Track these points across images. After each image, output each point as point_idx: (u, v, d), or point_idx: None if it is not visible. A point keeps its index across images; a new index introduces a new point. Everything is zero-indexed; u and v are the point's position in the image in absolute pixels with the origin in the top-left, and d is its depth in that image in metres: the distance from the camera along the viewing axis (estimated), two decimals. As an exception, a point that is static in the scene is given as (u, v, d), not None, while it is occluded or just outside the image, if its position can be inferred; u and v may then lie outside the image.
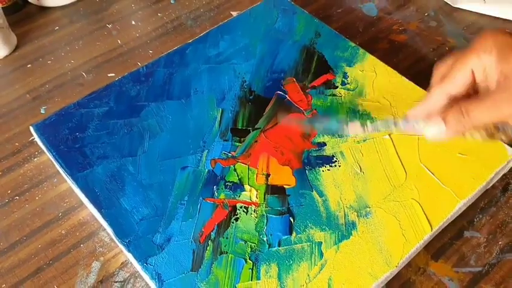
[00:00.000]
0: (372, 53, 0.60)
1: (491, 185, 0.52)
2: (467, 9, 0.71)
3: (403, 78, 0.57)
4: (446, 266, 0.48)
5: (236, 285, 0.43)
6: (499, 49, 0.38)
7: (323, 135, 0.53)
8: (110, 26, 0.70)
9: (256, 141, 0.53)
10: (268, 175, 0.50)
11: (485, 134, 0.41)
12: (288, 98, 0.56)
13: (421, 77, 0.62)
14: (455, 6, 0.72)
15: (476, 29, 0.69)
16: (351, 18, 0.71)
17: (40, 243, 0.50)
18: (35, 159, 0.56)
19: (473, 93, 0.40)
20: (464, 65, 0.39)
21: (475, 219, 0.51)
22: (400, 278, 0.47)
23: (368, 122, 0.44)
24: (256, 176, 0.50)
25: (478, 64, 0.38)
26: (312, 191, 0.49)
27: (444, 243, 0.49)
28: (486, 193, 0.52)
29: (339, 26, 0.69)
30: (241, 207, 0.48)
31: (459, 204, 0.48)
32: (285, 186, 0.49)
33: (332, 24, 0.67)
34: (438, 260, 0.48)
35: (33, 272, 0.48)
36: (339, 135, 0.48)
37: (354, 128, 0.44)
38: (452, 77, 0.40)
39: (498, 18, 0.70)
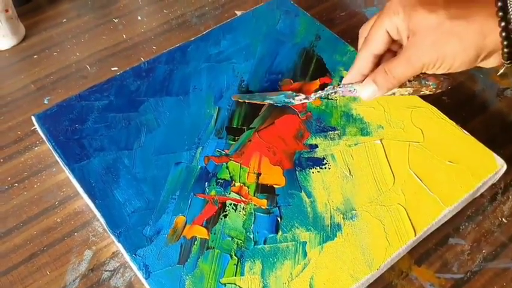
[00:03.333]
0: (371, 57, 0.61)
1: (479, 194, 0.52)
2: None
3: (399, 84, 0.58)
4: (428, 271, 0.49)
5: (220, 280, 0.44)
6: (404, 8, 0.41)
7: (316, 138, 0.54)
8: (116, 20, 0.72)
9: (250, 141, 0.54)
10: (259, 174, 0.51)
11: (411, 90, 0.46)
12: (284, 99, 0.57)
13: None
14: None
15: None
16: (353, 22, 0.71)
17: (36, 230, 0.51)
18: (36, 148, 0.57)
19: (400, 50, 0.44)
20: (379, 27, 0.43)
21: (461, 227, 0.51)
22: (382, 281, 0.48)
23: (312, 95, 0.49)
24: (248, 174, 0.51)
25: (391, 24, 0.42)
26: (301, 192, 0.50)
27: (428, 248, 0.50)
28: (474, 201, 0.52)
29: (341, 30, 0.69)
30: (230, 204, 0.49)
31: (444, 211, 0.48)
32: (274, 185, 0.50)
33: (334, 27, 0.68)
34: (421, 265, 0.49)
35: (27, 257, 0.49)
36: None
37: (300, 99, 0.52)
38: (371, 39, 0.44)
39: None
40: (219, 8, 0.74)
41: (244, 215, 0.48)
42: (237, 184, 0.50)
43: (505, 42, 0.39)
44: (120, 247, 0.47)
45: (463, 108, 0.61)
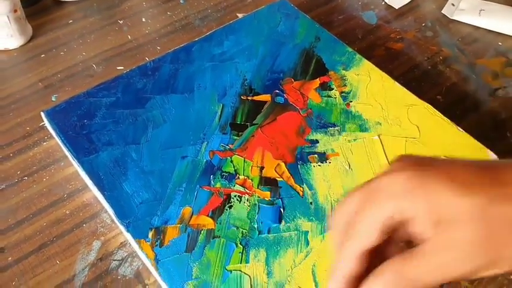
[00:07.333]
0: (368, 59, 0.63)
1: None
2: (463, 21, 0.74)
3: (396, 83, 0.60)
4: (425, 260, 0.50)
5: (226, 267, 0.46)
6: (417, 185, 0.31)
7: (316, 133, 0.56)
8: (121, 21, 0.74)
9: (253, 136, 0.56)
10: (262, 168, 0.53)
11: None
12: (285, 96, 0.59)
13: (414, 83, 0.66)
14: (451, 18, 0.75)
15: (471, 40, 0.72)
16: (351, 25, 0.74)
17: (45, 221, 0.53)
18: (44, 143, 0.59)
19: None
20: (374, 215, 0.31)
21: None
22: (381, 270, 0.49)
23: None
24: (251, 168, 0.53)
25: (395, 208, 0.31)
26: (303, 184, 0.52)
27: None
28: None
29: (339, 32, 0.72)
30: (235, 196, 0.51)
31: (440, 203, 0.50)
32: (277, 178, 0.52)
33: (333, 30, 0.70)
34: (418, 254, 0.51)
35: (38, 247, 0.51)
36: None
37: None
38: (360, 231, 0.32)
39: (492, 31, 0.73)
40: (221, 10, 0.76)
41: (249, 206, 0.50)
42: (241, 177, 0.52)
43: None
44: (128, 237, 0.49)
45: (456, 107, 0.63)
